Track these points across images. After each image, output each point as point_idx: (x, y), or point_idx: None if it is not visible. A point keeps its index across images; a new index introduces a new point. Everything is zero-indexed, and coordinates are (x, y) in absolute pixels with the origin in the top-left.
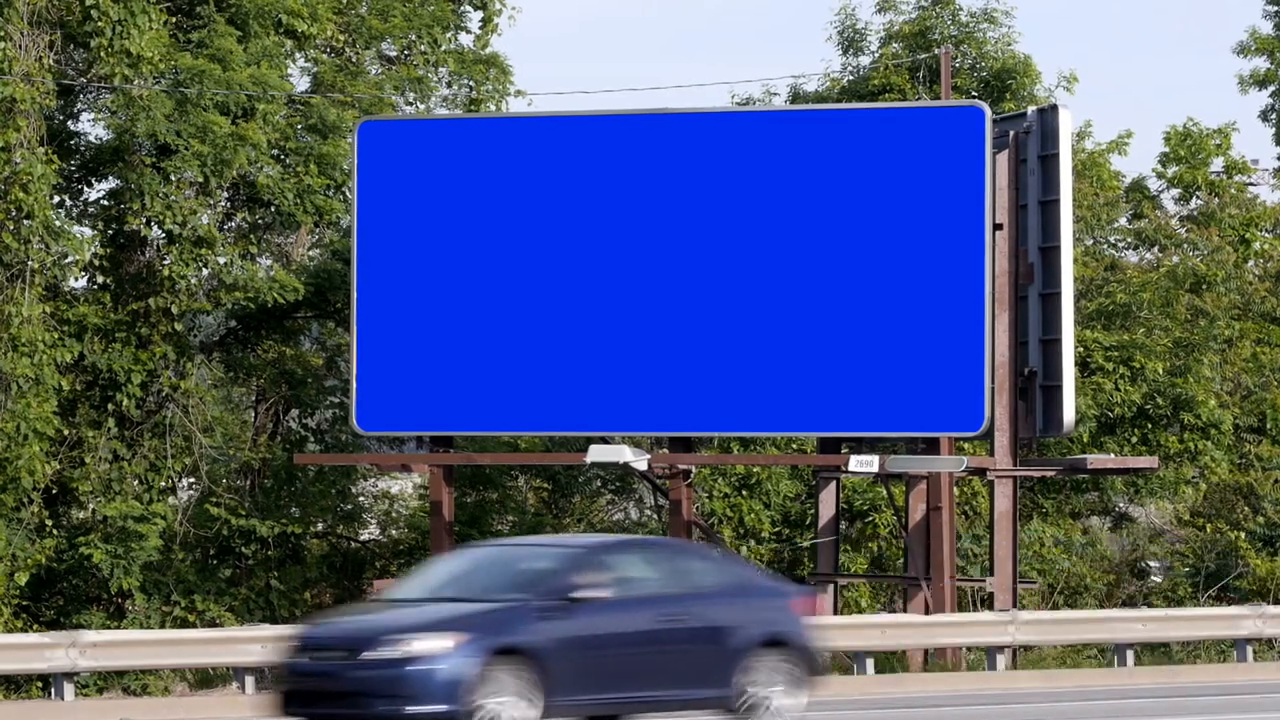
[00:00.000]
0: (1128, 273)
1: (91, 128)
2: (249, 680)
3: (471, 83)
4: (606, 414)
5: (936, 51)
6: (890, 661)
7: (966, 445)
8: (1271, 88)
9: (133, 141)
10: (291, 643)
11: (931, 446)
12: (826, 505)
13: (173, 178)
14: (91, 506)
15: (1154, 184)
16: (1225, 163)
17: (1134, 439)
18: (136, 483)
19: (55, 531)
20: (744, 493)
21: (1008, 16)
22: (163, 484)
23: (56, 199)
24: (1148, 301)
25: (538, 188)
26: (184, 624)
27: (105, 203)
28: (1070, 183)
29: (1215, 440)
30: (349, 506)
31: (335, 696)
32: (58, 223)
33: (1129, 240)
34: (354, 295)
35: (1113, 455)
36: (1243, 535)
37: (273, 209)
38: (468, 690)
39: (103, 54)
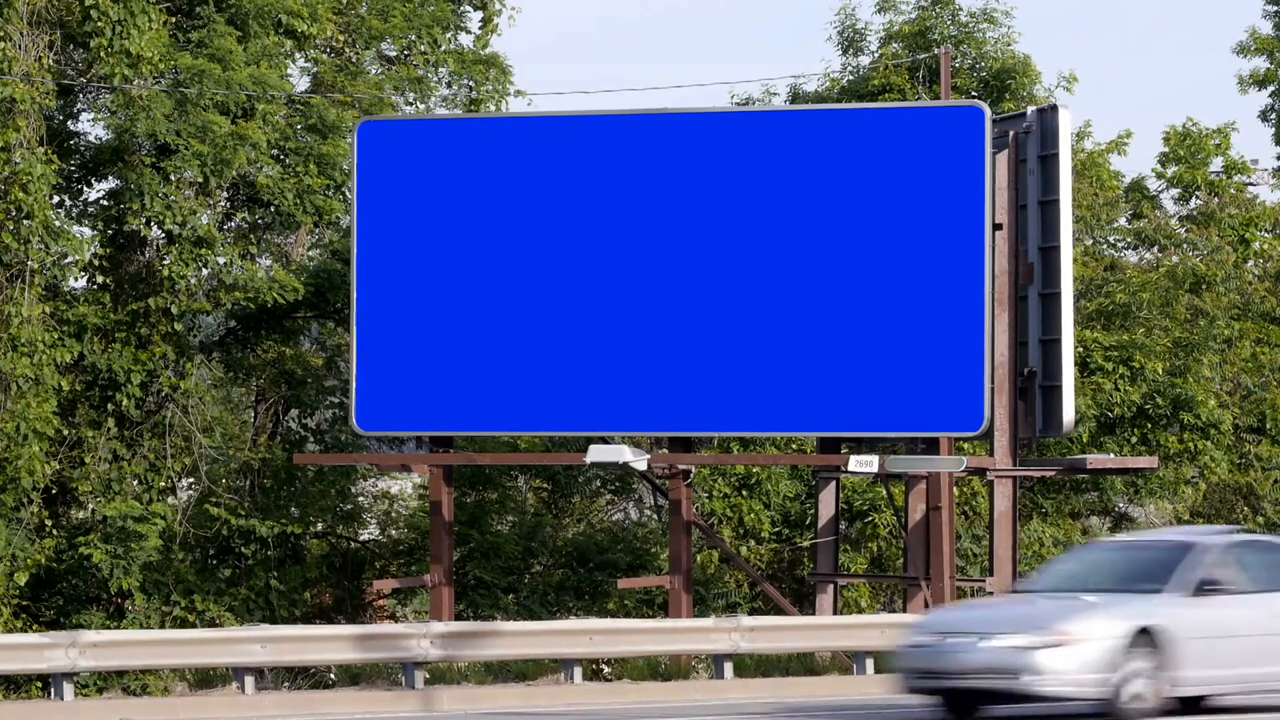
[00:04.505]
0: (1127, 273)
1: (91, 128)
2: (249, 680)
3: (471, 83)
4: (606, 414)
5: (936, 51)
6: (890, 661)
7: (966, 445)
8: (1271, 88)
9: (132, 141)
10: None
11: (931, 446)
12: (826, 505)
13: (172, 178)
14: (91, 506)
15: (1153, 184)
16: (1225, 163)
17: (1134, 439)
18: (136, 483)
19: (55, 531)
20: (744, 493)
21: (1007, 16)
22: (162, 484)
23: (56, 199)
24: (1147, 301)
25: (538, 188)
26: (184, 624)
27: (105, 203)
28: (1070, 183)
29: (1215, 440)
30: (349, 506)
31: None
32: (57, 223)
33: (1129, 240)
34: (354, 295)
35: (1112, 455)
36: None
37: (272, 209)
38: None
39: (102, 54)
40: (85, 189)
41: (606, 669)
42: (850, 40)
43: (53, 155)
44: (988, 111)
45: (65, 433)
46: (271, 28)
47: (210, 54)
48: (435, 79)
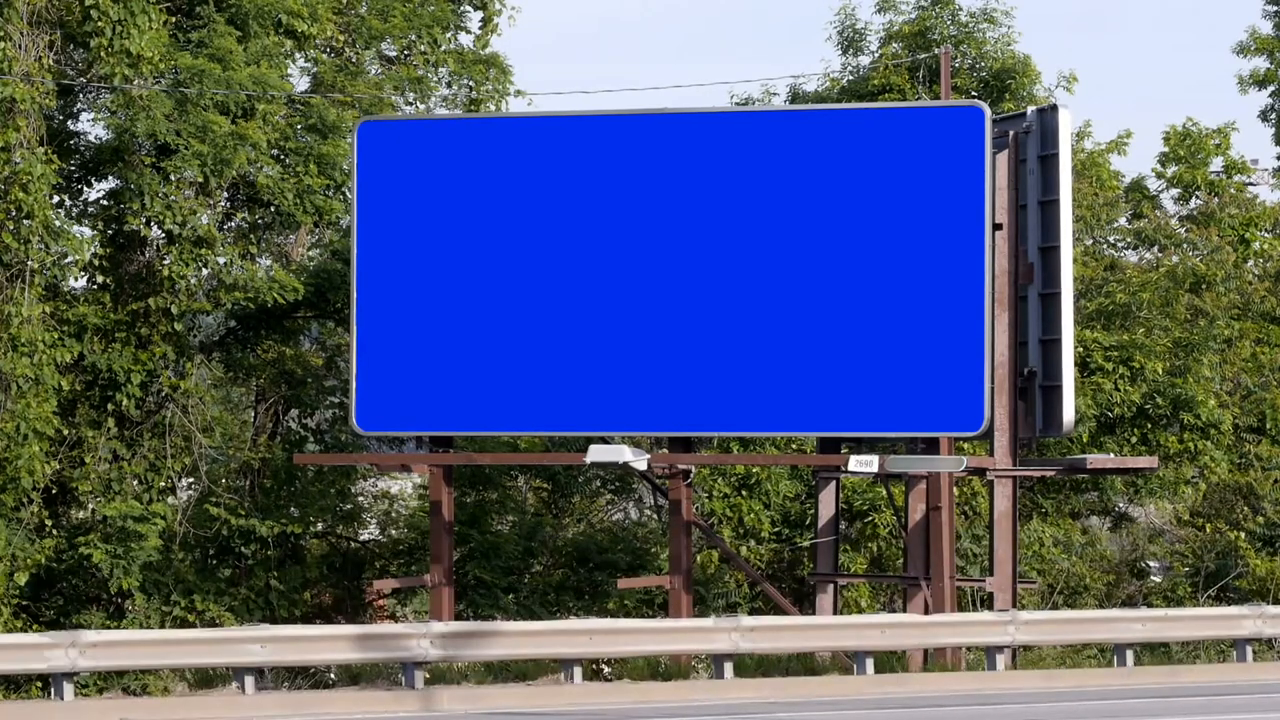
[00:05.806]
0: (1127, 273)
1: (91, 128)
2: (249, 680)
3: (471, 83)
4: (606, 414)
5: (936, 51)
6: (890, 661)
7: (966, 445)
8: (1271, 88)
9: (133, 141)
10: None
11: (931, 446)
12: (826, 505)
13: (172, 178)
14: (91, 506)
15: (1154, 184)
16: (1225, 163)
17: (1134, 439)
18: (136, 483)
19: (55, 531)
20: (744, 493)
21: (1007, 16)
22: (162, 484)
23: (56, 199)
24: (1147, 301)
25: (537, 188)
26: (184, 624)
27: (105, 203)
28: (1070, 183)
29: (1215, 440)
30: (349, 506)
31: None
32: (57, 223)
33: (1129, 240)
34: (354, 295)
35: (1112, 455)
36: (1242, 535)
37: (273, 209)
38: None
39: (103, 54)
40: (85, 189)
41: (606, 669)
42: (850, 40)
43: (53, 155)
44: (988, 111)
45: (65, 433)
46: (271, 28)
47: (210, 54)
48: (435, 79)
